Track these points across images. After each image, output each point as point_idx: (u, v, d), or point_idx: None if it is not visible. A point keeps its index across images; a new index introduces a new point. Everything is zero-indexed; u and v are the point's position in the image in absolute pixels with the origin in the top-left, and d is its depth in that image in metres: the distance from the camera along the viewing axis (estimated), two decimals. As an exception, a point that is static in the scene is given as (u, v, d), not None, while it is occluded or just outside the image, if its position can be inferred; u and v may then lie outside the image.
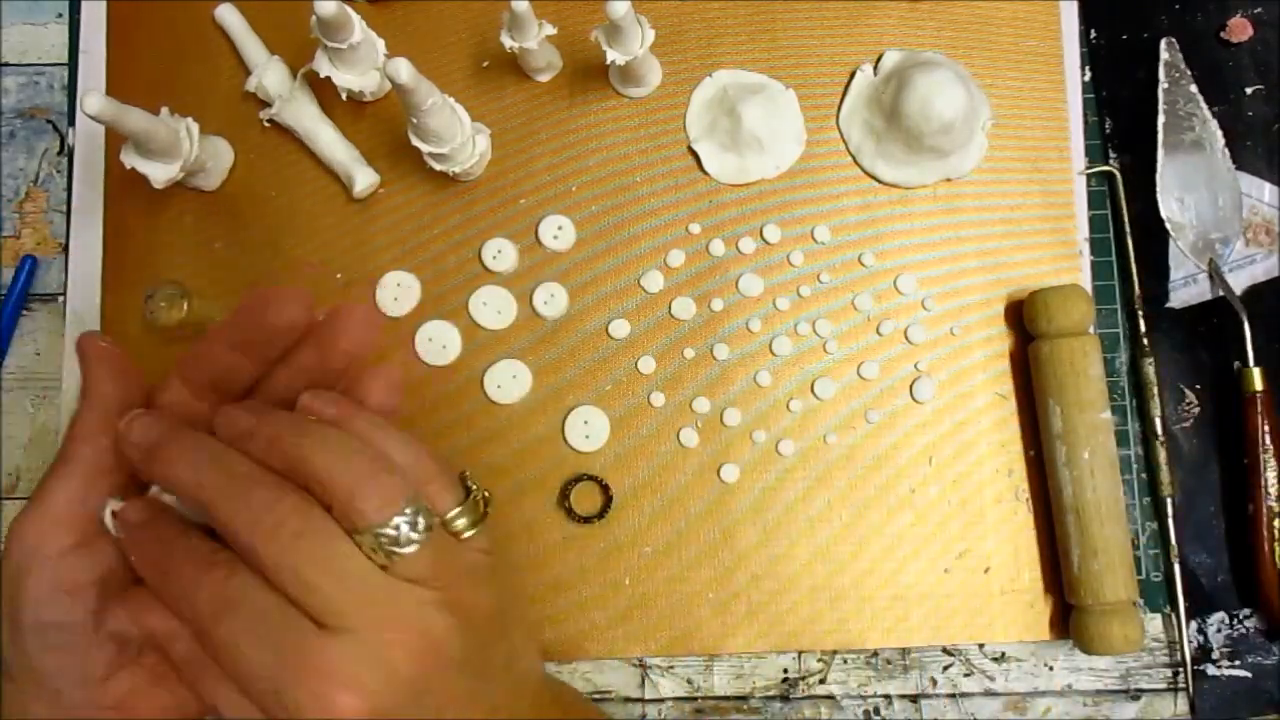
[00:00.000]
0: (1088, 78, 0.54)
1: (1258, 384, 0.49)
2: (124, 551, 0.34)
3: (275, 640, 0.29)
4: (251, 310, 0.36)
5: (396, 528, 0.30)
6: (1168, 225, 0.52)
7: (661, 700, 0.50)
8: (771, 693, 0.50)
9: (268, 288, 0.36)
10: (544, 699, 0.37)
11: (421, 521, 0.31)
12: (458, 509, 0.34)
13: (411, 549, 0.31)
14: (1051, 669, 0.50)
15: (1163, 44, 0.53)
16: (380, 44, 0.48)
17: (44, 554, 0.33)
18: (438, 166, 0.49)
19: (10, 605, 0.33)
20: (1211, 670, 0.49)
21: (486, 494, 0.35)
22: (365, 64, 0.48)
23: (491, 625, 0.33)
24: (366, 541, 0.30)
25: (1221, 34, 0.53)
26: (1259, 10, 0.53)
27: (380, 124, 0.53)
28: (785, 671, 0.50)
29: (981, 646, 0.50)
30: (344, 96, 0.49)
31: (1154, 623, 0.50)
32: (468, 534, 0.34)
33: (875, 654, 0.50)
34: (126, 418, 0.34)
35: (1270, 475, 0.48)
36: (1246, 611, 0.50)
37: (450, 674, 0.31)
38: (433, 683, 0.31)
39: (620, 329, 0.51)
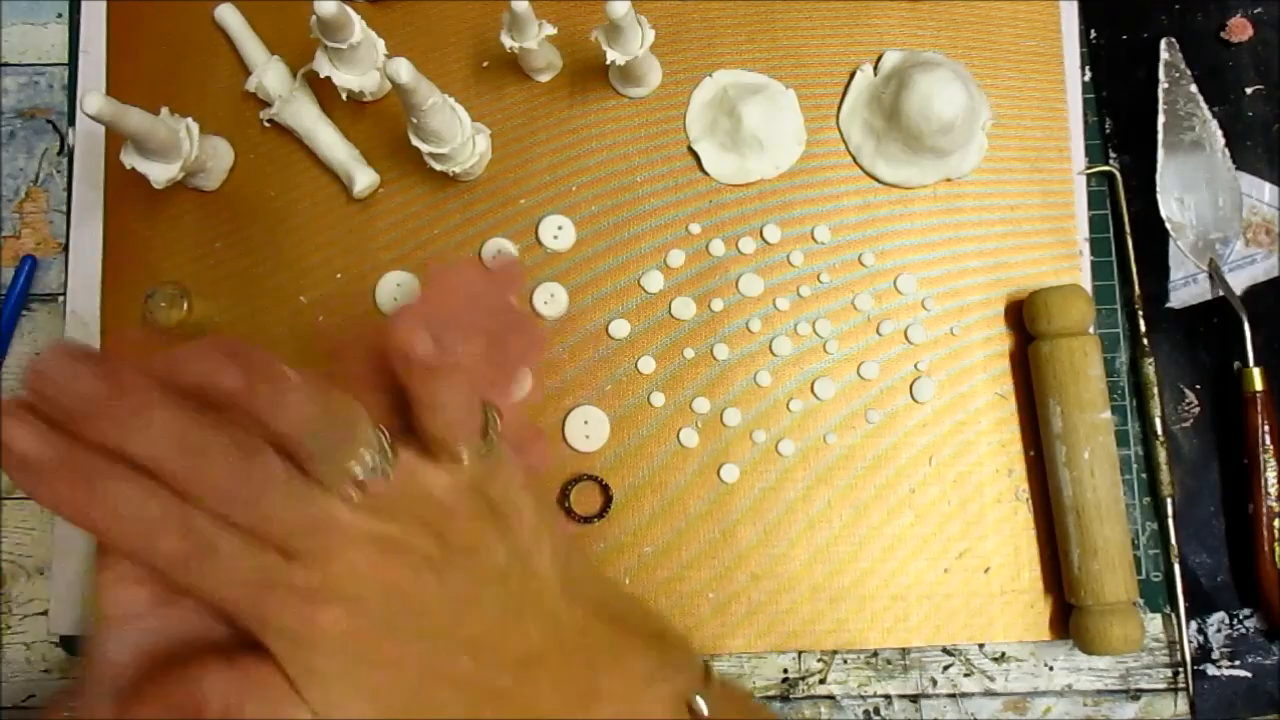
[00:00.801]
0: (1088, 78, 0.54)
1: (1258, 384, 0.49)
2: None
3: (257, 575, 0.27)
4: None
5: (364, 463, 0.29)
6: (1168, 225, 0.52)
7: (661, 700, 0.50)
8: (771, 693, 0.50)
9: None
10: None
11: (386, 449, 0.30)
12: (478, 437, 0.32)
13: (377, 475, 0.29)
14: (1051, 669, 0.50)
15: (1163, 44, 0.53)
16: (380, 44, 0.48)
17: (117, 616, 0.30)
18: (438, 166, 0.49)
19: (91, 658, 0.31)
20: (1211, 670, 0.49)
21: (496, 418, 0.33)
22: (365, 64, 0.48)
23: (477, 532, 0.31)
24: (336, 482, 0.29)
25: (1221, 34, 0.53)
26: (1259, 10, 0.53)
27: (380, 124, 0.53)
28: (785, 671, 0.50)
29: (981, 646, 0.50)
30: (344, 96, 0.49)
31: (1154, 623, 0.50)
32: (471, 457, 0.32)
33: (875, 654, 0.50)
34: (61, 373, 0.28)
35: (1270, 475, 0.48)
36: (1246, 611, 0.50)
37: (454, 606, 0.30)
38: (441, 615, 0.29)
39: (620, 329, 0.51)
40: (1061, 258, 0.52)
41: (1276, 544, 0.48)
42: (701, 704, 0.34)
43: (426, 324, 0.37)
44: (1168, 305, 0.52)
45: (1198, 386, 0.51)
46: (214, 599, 0.28)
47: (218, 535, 0.27)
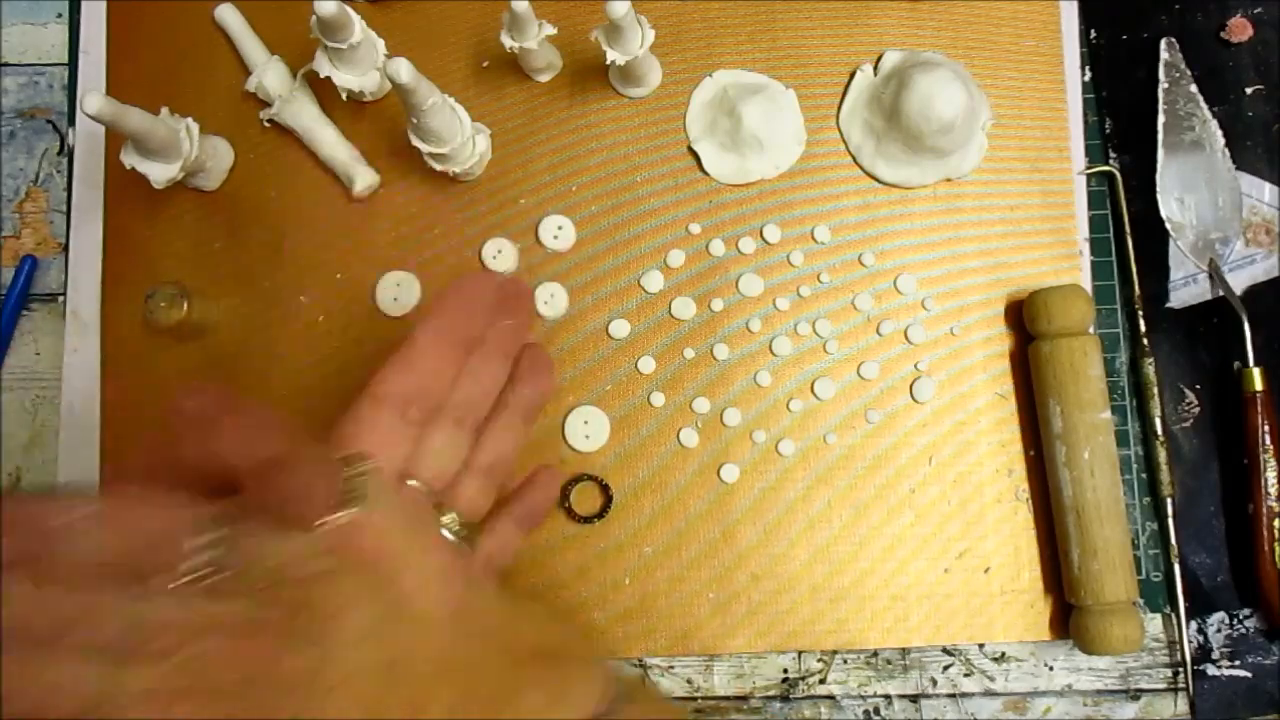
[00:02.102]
0: (1088, 78, 0.54)
1: (1258, 384, 0.49)
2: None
3: None
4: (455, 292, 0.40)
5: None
6: (1168, 225, 0.52)
7: (661, 700, 0.50)
8: (771, 693, 0.50)
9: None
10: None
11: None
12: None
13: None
14: (1051, 669, 0.50)
15: (1163, 44, 0.53)
16: (380, 44, 0.48)
17: None
18: (438, 166, 0.49)
19: None
20: (1211, 670, 0.49)
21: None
22: (365, 64, 0.48)
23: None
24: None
25: (1221, 34, 0.53)
26: (1259, 10, 0.53)
27: (380, 124, 0.53)
28: (785, 671, 0.50)
29: (981, 646, 0.50)
30: (344, 96, 0.49)
31: (1154, 623, 0.50)
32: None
33: (875, 654, 0.50)
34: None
35: (1270, 475, 0.48)
36: (1246, 611, 0.50)
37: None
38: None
39: (620, 329, 0.51)
40: (1061, 258, 0.52)
41: (1276, 544, 0.48)
42: None
43: (448, 336, 0.38)
44: (1168, 305, 0.52)
45: (1198, 386, 0.51)
46: None
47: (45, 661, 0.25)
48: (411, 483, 0.39)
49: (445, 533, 0.39)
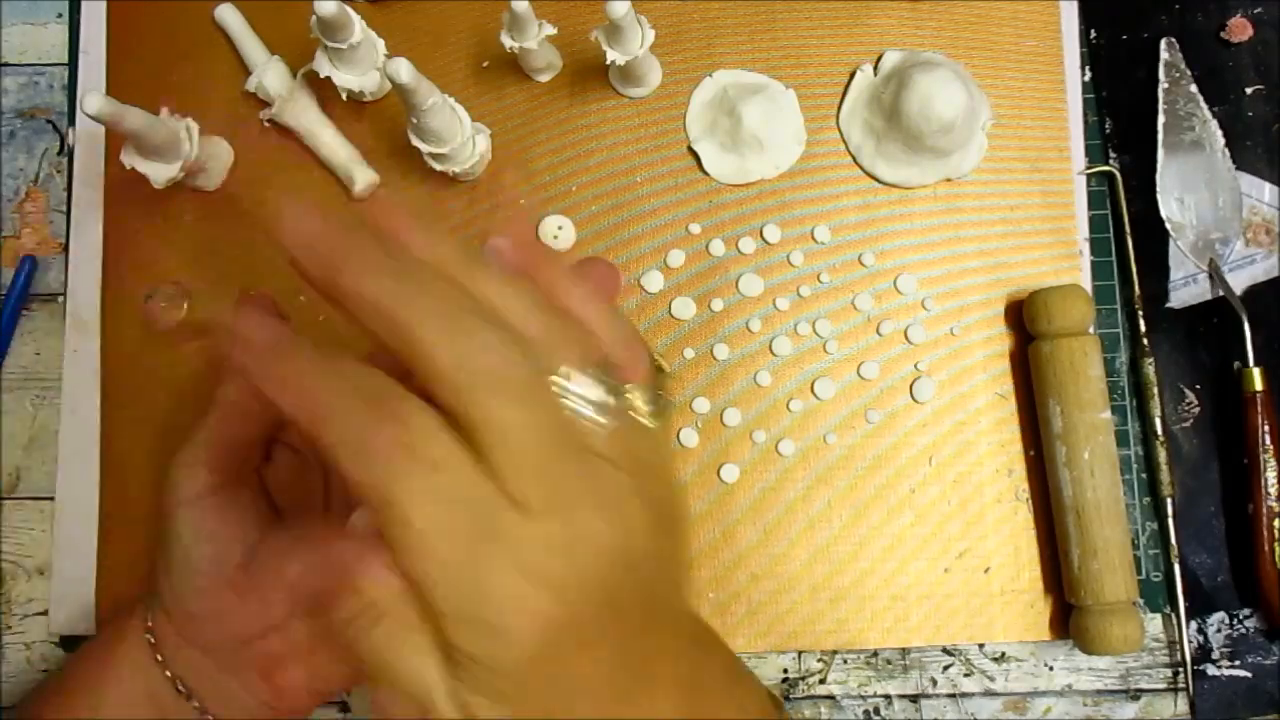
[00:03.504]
0: (1088, 78, 0.54)
1: (1258, 384, 0.49)
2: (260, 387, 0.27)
3: (466, 517, 0.24)
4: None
5: (592, 387, 0.26)
6: (1168, 225, 0.52)
7: (661, 700, 0.50)
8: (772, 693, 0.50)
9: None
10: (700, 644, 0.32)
11: (613, 389, 0.26)
12: (647, 387, 0.28)
13: (604, 419, 0.26)
14: (1051, 669, 0.50)
15: (1163, 44, 0.53)
16: (380, 44, 0.48)
17: (184, 495, 0.35)
18: (438, 166, 0.49)
19: (160, 544, 0.35)
20: (1211, 670, 0.49)
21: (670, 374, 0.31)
22: (365, 64, 0.48)
23: (671, 530, 0.28)
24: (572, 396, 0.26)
25: (1221, 34, 0.53)
26: (1259, 10, 0.53)
27: (380, 124, 0.52)
28: (785, 671, 0.50)
29: (981, 646, 0.50)
30: (344, 96, 0.49)
31: (1154, 623, 0.50)
32: (649, 421, 0.28)
33: (875, 654, 0.50)
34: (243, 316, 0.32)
35: (1270, 475, 0.48)
36: (1246, 611, 0.50)
37: (634, 582, 0.26)
38: (622, 590, 0.25)
39: (620, 329, 0.51)
40: (1061, 258, 0.52)
41: (1276, 544, 0.48)
42: None
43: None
44: (1168, 305, 0.52)
45: (1198, 386, 0.51)
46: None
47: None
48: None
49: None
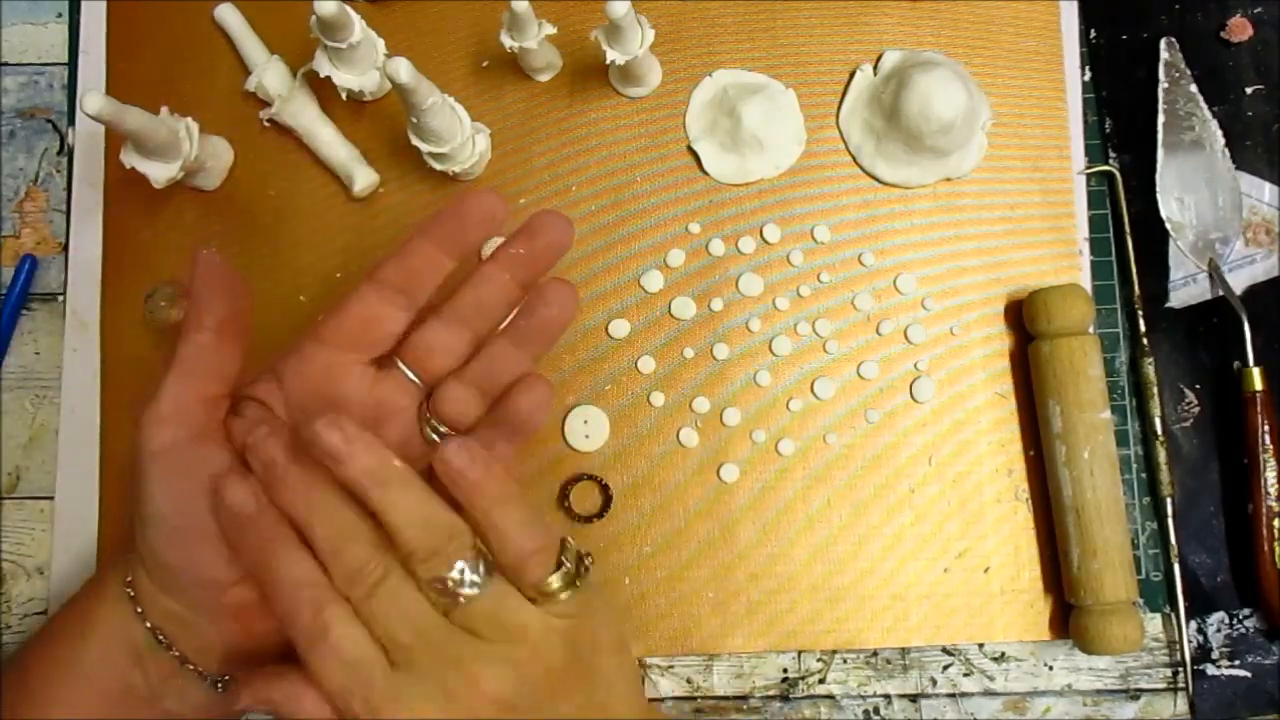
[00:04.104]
0: (1088, 78, 0.54)
1: (1258, 384, 0.49)
2: (229, 535, 0.36)
3: (354, 674, 0.34)
4: (454, 207, 0.39)
5: (460, 572, 0.34)
6: (1168, 225, 0.52)
7: (661, 700, 0.50)
8: (771, 692, 0.50)
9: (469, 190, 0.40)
10: None
11: (482, 569, 0.35)
12: (554, 574, 0.36)
13: (472, 591, 0.34)
14: (1051, 669, 0.50)
15: (1163, 44, 0.53)
16: (380, 44, 0.48)
17: (152, 449, 0.36)
18: (438, 166, 0.49)
19: (134, 498, 0.37)
20: (1211, 670, 0.49)
21: (587, 561, 0.37)
22: (365, 64, 0.48)
23: (556, 682, 0.35)
24: (431, 587, 0.34)
25: (1221, 34, 0.53)
26: (1259, 10, 0.53)
27: (380, 124, 0.53)
28: (785, 671, 0.50)
29: (981, 646, 0.50)
30: (344, 96, 0.49)
31: (1154, 623, 0.50)
32: (562, 595, 0.36)
33: (875, 654, 0.50)
34: (256, 433, 0.36)
35: (1270, 475, 0.48)
36: (1246, 611, 0.50)
37: None
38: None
39: (619, 328, 0.51)
40: (1061, 257, 0.52)
41: (1276, 544, 0.48)
42: None
43: (444, 243, 0.40)
44: (1168, 305, 0.52)
45: (1198, 386, 0.51)
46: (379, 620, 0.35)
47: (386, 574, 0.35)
48: (401, 367, 0.41)
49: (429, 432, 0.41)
